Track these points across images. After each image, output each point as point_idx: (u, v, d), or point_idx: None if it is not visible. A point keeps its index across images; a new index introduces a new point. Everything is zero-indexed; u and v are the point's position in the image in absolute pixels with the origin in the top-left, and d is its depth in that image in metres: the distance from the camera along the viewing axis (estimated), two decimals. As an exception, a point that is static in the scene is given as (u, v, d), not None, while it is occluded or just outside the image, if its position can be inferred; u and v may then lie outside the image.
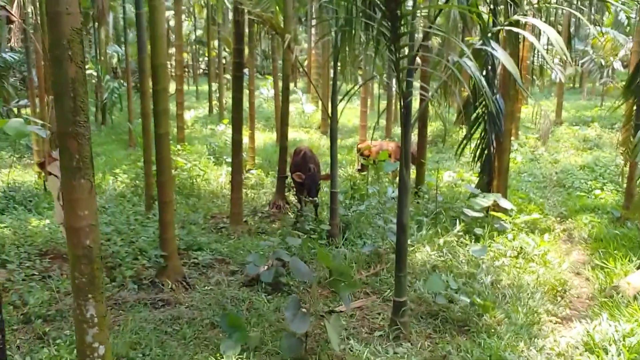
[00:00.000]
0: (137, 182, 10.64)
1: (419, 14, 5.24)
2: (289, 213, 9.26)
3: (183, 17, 36.39)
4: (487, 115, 7.77)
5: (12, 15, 5.99)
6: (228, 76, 24.62)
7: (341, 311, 5.39)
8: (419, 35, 5.18)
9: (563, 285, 6.25)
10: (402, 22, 4.16)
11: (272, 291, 6.09)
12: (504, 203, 7.69)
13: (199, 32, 34.52)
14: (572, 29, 9.22)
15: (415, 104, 9.56)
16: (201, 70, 45.08)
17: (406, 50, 4.57)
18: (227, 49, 28.40)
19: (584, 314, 5.69)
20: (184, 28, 36.56)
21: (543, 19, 7.37)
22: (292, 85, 33.37)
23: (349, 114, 22.99)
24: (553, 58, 18.82)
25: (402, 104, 4.56)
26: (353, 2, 4.90)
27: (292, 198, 9.68)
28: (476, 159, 8.37)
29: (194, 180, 11.09)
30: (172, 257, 6.26)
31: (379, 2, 4.21)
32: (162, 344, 4.92)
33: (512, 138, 11.63)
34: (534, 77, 20.30)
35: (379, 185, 9.76)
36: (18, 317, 5.40)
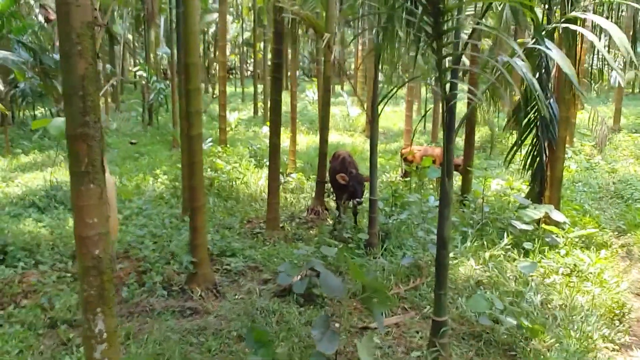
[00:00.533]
0: (176, 184, 10.54)
1: (464, 10, 4.84)
2: (328, 219, 8.95)
3: (231, 19, 36.71)
4: (540, 121, 7.28)
5: (52, 13, 5.91)
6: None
7: (376, 328, 5.04)
8: (465, 33, 4.79)
9: (621, 308, 5.68)
10: (446, 18, 3.79)
11: (304, 303, 5.80)
12: (557, 215, 7.14)
13: (247, 34, 34.62)
14: (638, 27, 8.51)
15: (464, 108, 9.10)
16: (249, 72, 45.37)
17: (449, 49, 4.19)
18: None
19: (646, 342, 5.16)
20: (232, 30, 36.86)
21: (604, 15, 6.83)
22: (338, 88, 33.14)
23: (395, 117, 22.54)
24: (615, 59, 17.83)
25: (445, 107, 4.18)
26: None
27: (332, 204, 9.37)
28: (527, 167, 7.85)
29: (233, 183, 10.92)
30: (202, 263, 6.05)
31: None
32: (185, 357, 4.69)
33: (567, 145, 10.96)
34: (592, 80, 19.34)
35: (422, 193, 9.32)
36: (44, 321, 5.30)
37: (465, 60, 10.19)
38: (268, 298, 5.89)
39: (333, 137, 17.70)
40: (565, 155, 9.30)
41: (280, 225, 8.44)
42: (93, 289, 3.01)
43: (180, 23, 7.67)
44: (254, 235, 8.11)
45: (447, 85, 4.14)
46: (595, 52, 10.92)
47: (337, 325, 5.00)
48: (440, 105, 4.02)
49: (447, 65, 4.09)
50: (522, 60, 4.00)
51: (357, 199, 7.70)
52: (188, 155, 5.94)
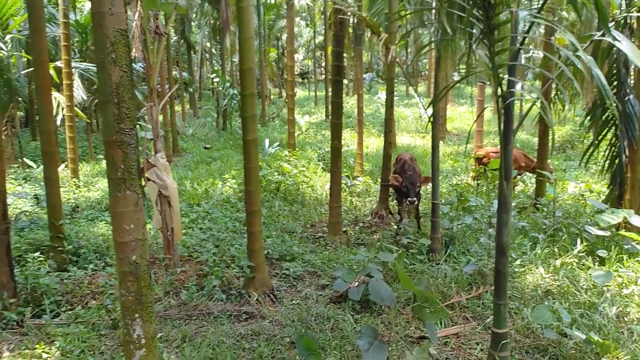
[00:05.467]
0: (243, 187, 10.68)
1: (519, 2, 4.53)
2: (392, 224, 8.75)
3: (304, 24, 37.07)
4: (619, 119, 6.77)
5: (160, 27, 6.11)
6: (345, 81, 24.52)
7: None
8: (522, 27, 4.50)
9: None
10: (497, 11, 3.55)
11: (360, 310, 5.66)
12: (637, 220, 6.59)
13: (320, 39, 34.82)
14: None
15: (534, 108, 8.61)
16: (323, 76, 45.62)
17: (504, 44, 3.93)
18: (346, 54, 28.36)
19: None
20: (305, 35, 37.22)
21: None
22: (411, 89, 32.65)
23: (470, 118, 21.90)
24: None
25: (499, 106, 3.92)
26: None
27: (397, 208, 9.17)
28: (605, 169, 7.32)
29: (299, 187, 10.93)
30: (259, 268, 6.05)
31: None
32: (236, 362, 4.68)
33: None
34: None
35: (491, 197, 8.92)
36: (107, 322, 5.46)
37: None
38: (324, 304, 5.80)
39: (404, 140, 17.44)
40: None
41: (343, 229, 8.34)
42: (131, 295, 3.04)
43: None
44: (316, 240, 8.06)
45: (504, 83, 3.88)
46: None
47: (390, 334, 4.84)
48: (498, 104, 3.75)
49: (500, 61, 3.83)
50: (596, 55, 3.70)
51: (410, 199, 7.51)
52: (245, 159, 5.97)
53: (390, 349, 4.42)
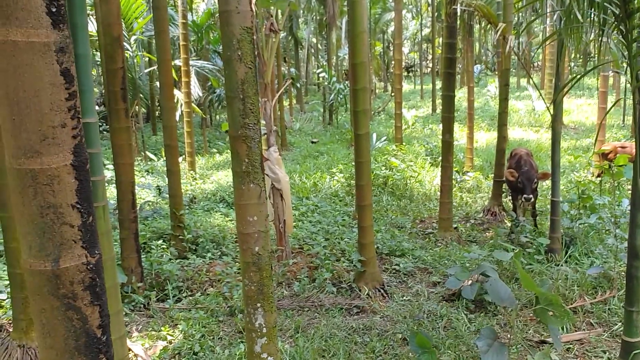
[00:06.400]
0: (351, 182, 10.73)
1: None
2: (505, 221, 8.41)
3: (410, 16, 36.53)
4: None
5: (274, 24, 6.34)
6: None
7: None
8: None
9: None
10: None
11: (474, 310, 5.49)
12: None
13: (427, 31, 34.17)
14: None
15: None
16: (429, 69, 44.77)
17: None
18: (454, 46, 27.59)
19: None
20: (412, 27, 36.67)
21: None
22: (523, 81, 31.17)
23: (589, 111, 20.55)
24: None
25: (637, 98, 3.62)
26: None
27: (510, 205, 8.79)
28: None
29: (407, 182, 10.80)
30: (370, 262, 6.04)
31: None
32: (349, 356, 4.70)
33: None
34: None
35: (617, 195, 8.30)
36: (225, 309, 5.69)
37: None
38: (436, 302, 5.69)
39: (516, 134, 16.68)
40: None
41: (454, 226, 8.13)
42: (253, 284, 3.13)
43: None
44: (426, 236, 7.92)
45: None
46: None
47: (509, 336, 4.65)
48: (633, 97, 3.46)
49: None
50: None
51: (525, 196, 7.14)
52: (356, 154, 5.98)
53: (509, 351, 4.24)
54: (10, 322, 5.11)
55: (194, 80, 14.57)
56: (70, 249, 1.55)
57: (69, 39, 1.54)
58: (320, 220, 8.45)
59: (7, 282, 5.31)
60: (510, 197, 8.25)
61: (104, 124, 13.38)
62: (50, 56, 1.48)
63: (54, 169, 1.51)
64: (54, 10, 1.47)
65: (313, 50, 38.97)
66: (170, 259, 6.73)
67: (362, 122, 5.75)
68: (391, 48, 38.18)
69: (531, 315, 5.25)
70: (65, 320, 1.56)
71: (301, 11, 28.88)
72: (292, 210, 7.80)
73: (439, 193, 9.87)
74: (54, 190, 1.52)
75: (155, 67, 16.82)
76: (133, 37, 13.76)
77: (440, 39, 26.95)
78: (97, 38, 8.83)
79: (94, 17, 8.11)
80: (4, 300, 5.65)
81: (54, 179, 1.51)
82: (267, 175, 6.76)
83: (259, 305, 3.15)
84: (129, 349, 4.66)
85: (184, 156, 12.79)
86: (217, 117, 22.17)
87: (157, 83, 18.60)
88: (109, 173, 9.36)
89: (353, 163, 10.60)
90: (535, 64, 41.80)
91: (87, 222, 1.58)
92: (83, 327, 1.59)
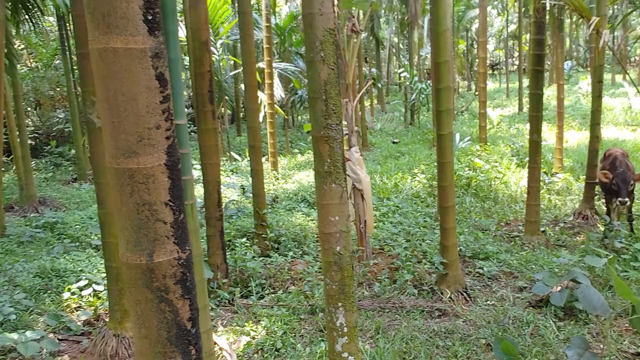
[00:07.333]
0: (432, 182, 10.57)
1: None
2: (598, 225, 7.97)
3: (496, 12, 35.43)
4: None
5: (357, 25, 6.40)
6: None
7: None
8: None
9: None
10: None
11: (564, 317, 5.24)
12: None
13: (513, 27, 33.04)
14: None
15: None
16: (515, 67, 43.27)
17: None
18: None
19: None
20: (497, 24, 35.57)
21: None
22: (619, 77, 29.44)
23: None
24: None
25: None
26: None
27: (603, 208, 8.34)
28: None
29: (492, 183, 10.49)
30: (452, 265, 5.92)
31: None
32: (430, 359, 4.63)
33: None
34: None
35: None
36: (306, 307, 5.77)
37: None
38: (522, 307, 5.48)
39: (610, 133, 15.80)
40: None
41: (541, 229, 7.80)
42: (335, 284, 3.16)
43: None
44: (511, 239, 7.66)
45: None
46: None
47: (602, 347, 4.41)
48: None
49: None
50: None
51: (620, 199, 6.72)
52: (438, 154, 5.88)
53: (602, 362, 4.03)
54: (107, 312, 5.43)
55: (276, 82, 14.88)
56: (163, 245, 1.63)
57: (163, 45, 1.63)
58: (401, 221, 8.37)
59: (104, 274, 5.66)
60: (603, 200, 7.82)
61: (192, 126, 13.93)
62: (146, 61, 1.57)
63: (149, 168, 1.60)
64: (150, 17, 1.56)
65: (394, 50, 38.67)
66: (253, 257, 6.92)
67: (445, 122, 5.65)
68: (475, 46, 37.25)
69: (626, 325, 4.95)
70: (158, 312, 1.64)
71: (382, 11, 28.77)
72: (373, 210, 7.79)
73: (525, 195, 9.53)
74: (148, 188, 1.60)
75: (239, 70, 17.35)
76: (219, 41, 14.23)
77: (528, 35, 26.01)
78: (185, 43, 9.21)
79: (183, 23, 8.46)
80: (101, 291, 6.02)
81: (149, 178, 1.60)
82: (348, 175, 6.79)
83: (340, 304, 3.17)
84: (215, 343, 4.83)
85: (266, 156, 13.08)
86: (299, 118, 22.52)
87: (242, 85, 19.20)
88: (196, 173, 9.75)
89: (435, 164, 10.48)
90: (632, 59, 39.34)
91: (178, 219, 1.66)
92: (174, 319, 1.66)
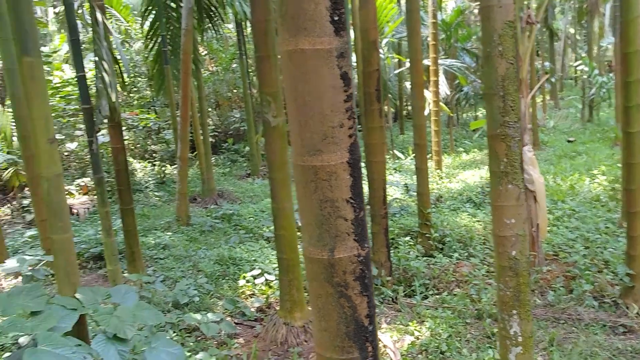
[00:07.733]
0: (615, 185, 9.61)
1: None
2: None
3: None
4: None
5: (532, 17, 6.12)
6: None
7: None
8: None
9: None
10: None
11: None
12: None
13: None
14: None
15: None
16: None
17: None
18: None
19: None
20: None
21: None
22: None
23: None
24: None
25: None
26: None
27: None
28: None
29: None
30: (640, 277, 5.33)
31: None
32: (613, 379, 4.23)
33: None
34: None
35: None
36: (472, 312, 5.58)
37: None
38: None
39: None
40: None
41: None
42: (509, 290, 3.00)
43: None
44: None
45: None
46: None
47: None
48: None
49: None
50: None
51: None
52: (626, 154, 5.32)
53: None
54: (277, 301, 5.75)
55: (442, 79, 14.59)
56: (344, 241, 1.67)
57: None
58: (578, 226, 7.73)
59: (275, 265, 5.99)
60: None
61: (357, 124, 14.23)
62: (332, 61, 1.61)
63: (332, 165, 1.64)
64: (336, 18, 1.59)
65: (570, 42, 35.87)
66: (417, 256, 6.85)
67: (635, 119, 5.09)
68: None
69: None
70: (337, 306, 1.68)
71: (557, 0, 26.87)
72: (547, 214, 7.28)
73: None
74: (331, 185, 1.65)
75: (403, 68, 17.31)
76: (384, 40, 14.32)
77: None
78: (353, 43, 9.41)
79: (351, 23, 8.64)
80: (272, 281, 6.38)
81: (332, 175, 1.64)
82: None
83: (514, 312, 3.01)
84: (379, 340, 4.86)
85: (430, 155, 12.89)
86: (464, 115, 21.87)
87: (405, 83, 19.15)
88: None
89: (619, 164, 9.52)
90: None
91: (358, 216, 1.68)
92: (353, 315, 1.69)
